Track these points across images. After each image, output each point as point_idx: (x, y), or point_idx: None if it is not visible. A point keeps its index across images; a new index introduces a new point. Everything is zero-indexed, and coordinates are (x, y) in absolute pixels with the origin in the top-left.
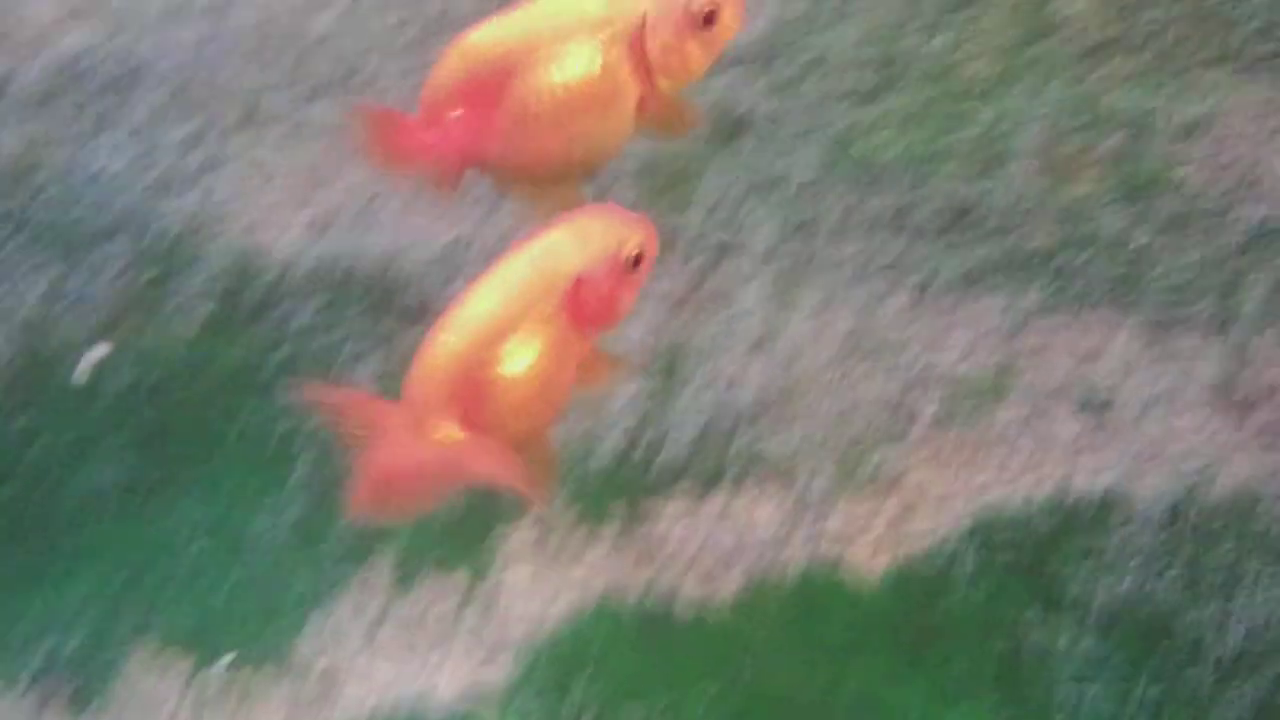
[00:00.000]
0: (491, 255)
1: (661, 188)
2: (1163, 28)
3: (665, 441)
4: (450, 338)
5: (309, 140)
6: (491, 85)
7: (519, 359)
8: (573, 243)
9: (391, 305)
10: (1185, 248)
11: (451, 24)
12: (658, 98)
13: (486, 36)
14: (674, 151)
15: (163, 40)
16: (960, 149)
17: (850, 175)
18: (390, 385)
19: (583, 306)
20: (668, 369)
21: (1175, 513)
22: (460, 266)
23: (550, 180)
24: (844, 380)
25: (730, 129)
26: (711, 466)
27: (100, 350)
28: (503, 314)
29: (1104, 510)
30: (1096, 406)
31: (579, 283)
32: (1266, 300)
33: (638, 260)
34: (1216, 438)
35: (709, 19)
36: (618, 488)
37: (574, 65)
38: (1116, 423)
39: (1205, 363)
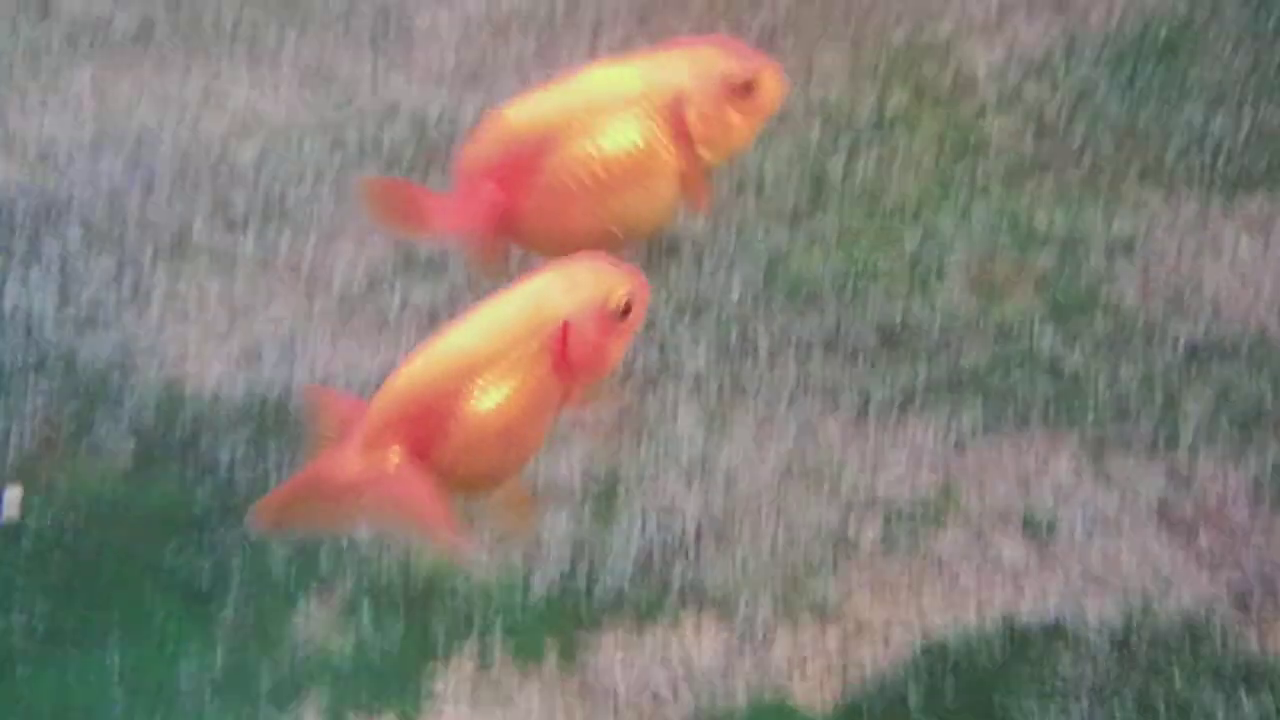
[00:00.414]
0: None
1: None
2: (1089, 146)
3: (602, 573)
4: (417, 366)
5: (233, 271)
6: (527, 159)
7: (488, 397)
8: (562, 288)
9: None
10: (1122, 367)
11: (374, 152)
12: (699, 170)
13: (524, 110)
14: None
15: (85, 174)
16: (892, 269)
17: (783, 296)
18: None
19: (569, 352)
20: (603, 498)
21: (1123, 640)
22: None
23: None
24: (783, 506)
25: (661, 252)
26: (650, 598)
27: (13, 492)
28: (479, 350)
29: (1051, 638)
30: (1039, 530)
31: (566, 327)
32: (1205, 419)
33: (627, 310)
34: (1161, 561)
35: (748, 88)
36: (554, 622)
37: (611, 138)
38: (1060, 547)
39: (1147, 484)
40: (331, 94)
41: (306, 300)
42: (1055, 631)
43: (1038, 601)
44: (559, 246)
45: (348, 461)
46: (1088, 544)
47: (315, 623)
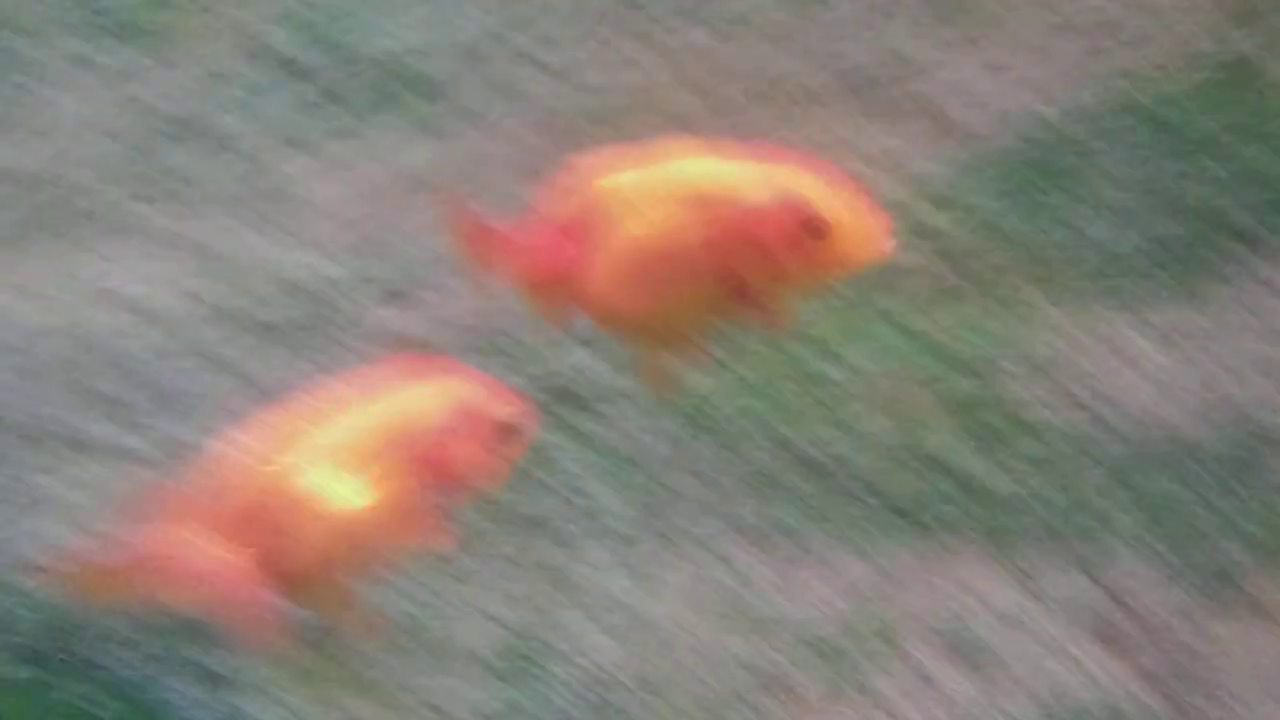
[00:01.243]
0: None
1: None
2: (1001, 271)
3: None
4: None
5: (127, 470)
6: (598, 228)
7: (333, 493)
8: (437, 400)
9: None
10: (1049, 490)
11: (275, 334)
12: (758, 289)
13: (615, 182)
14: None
15: None
16: (814, 409)
17: (705, 445)
18: None
19: (439, 463)
20: (527, 664)
21: None
22: None
23: (647, 337)
24: (719, 661)
25: (579, 408)
26: None
27: None
28: (339, 445)
29: None
30: (979, 661)
31: (437, 439)
32: (1135, 536)
33: (505, 431)
34: (1101, 684)
35: (818, 230)
36: None
37: (671, 231)
38: (1001, 676)
39: (1082, 607)
40: (226, 275)
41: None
42: None
43: None
44: (615, 322)
45: (193, 549)
46: (1028, 672)
47: None
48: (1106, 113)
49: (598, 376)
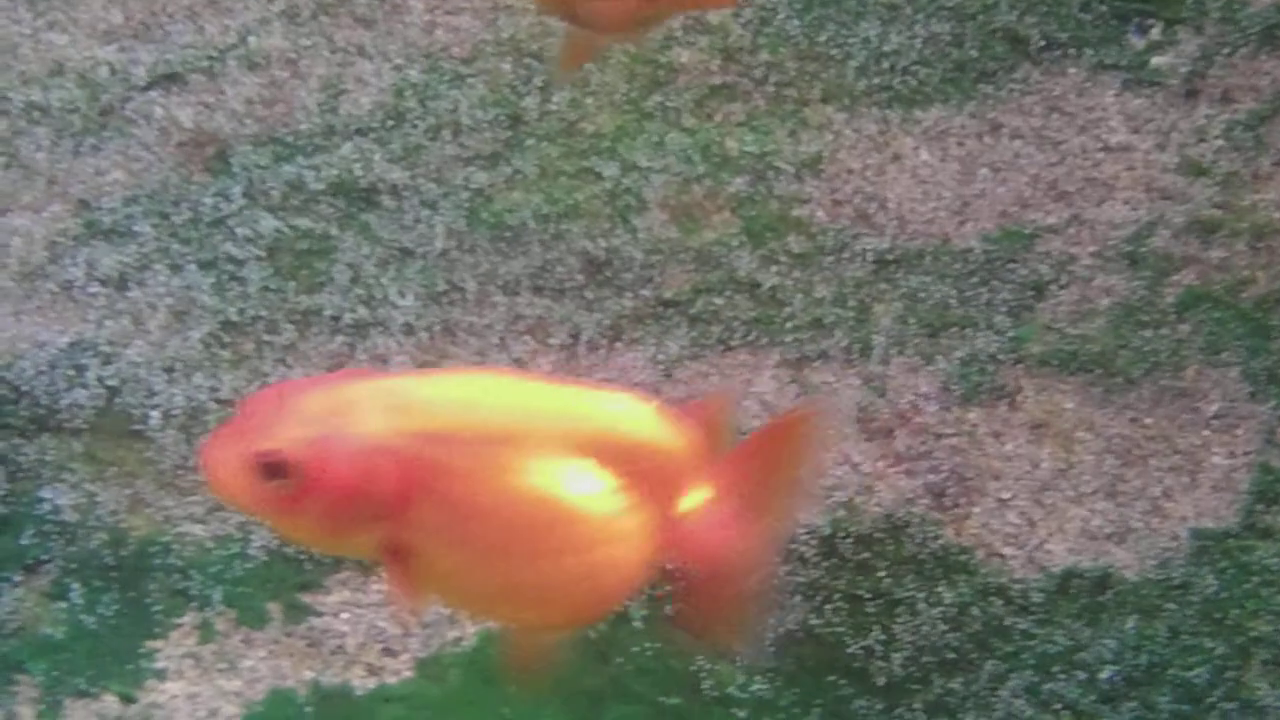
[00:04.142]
0: (112, 357)
1: (292, 267)
2: (772, 70)
3: None
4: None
5: None
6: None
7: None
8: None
9: (10, 418)
10: (814, 284)
11: (48, 118)
12: None
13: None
14: (302, 229)
15: None
16: (591, 205)
17: (485, 239)
18: (16, 503)
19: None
20: None
21: (829, 545)
22: (80, 370)
23: None
24: None
25: (359, 201)
26: None
27: None
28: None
29: None
30: None
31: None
32: (894, 329)
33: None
34: (861, 468)
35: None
36: (274, 585)
37: None
38: None
39: (843, 394)
40: None
41: None
42: None
43: None
44: None
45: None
46: None
47: (23, 605)
48: None
49: (375, 168)
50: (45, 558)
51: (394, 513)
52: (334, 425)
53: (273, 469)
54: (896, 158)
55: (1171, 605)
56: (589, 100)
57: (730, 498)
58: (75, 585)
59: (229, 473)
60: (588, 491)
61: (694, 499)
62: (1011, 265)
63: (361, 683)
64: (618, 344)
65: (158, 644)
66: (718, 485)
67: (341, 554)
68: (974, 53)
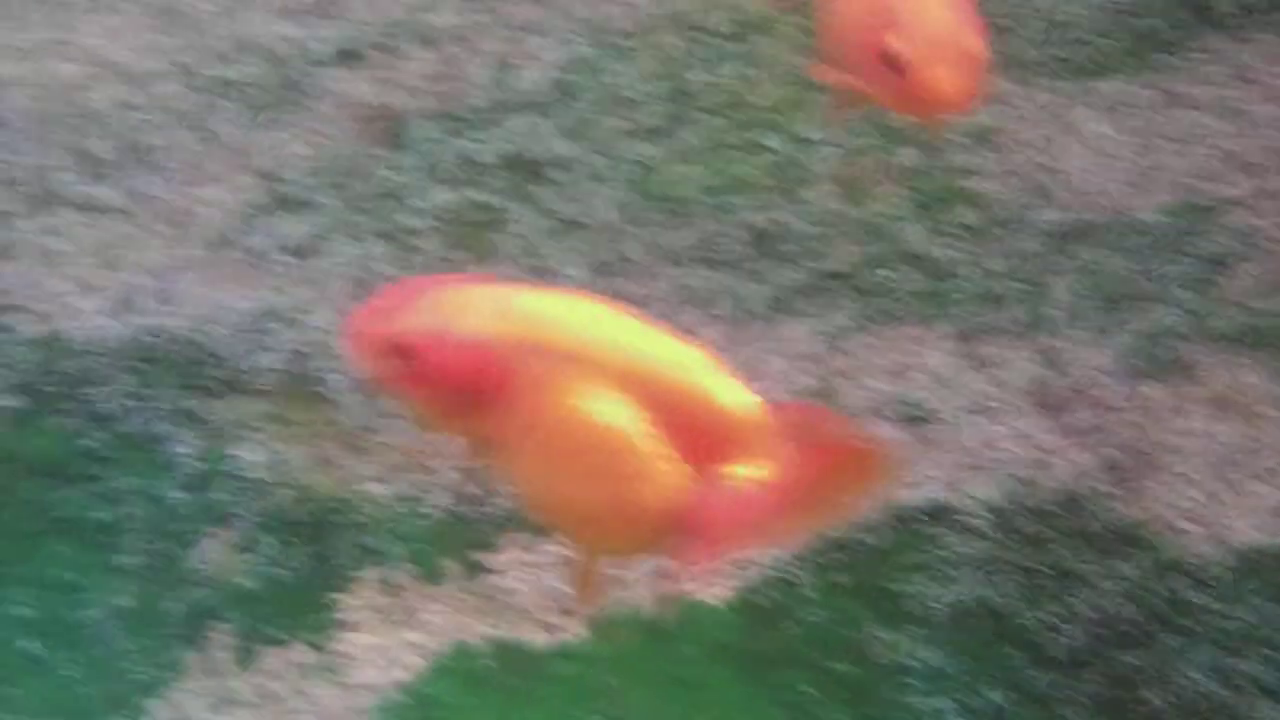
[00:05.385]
0: (297, 323)
1: (463, 238)
2: None
3: (495, 492)
4: None
5: (98, 220)
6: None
7: None
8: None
9: (202, 380)
10: (986, 257)
11: (235, 92)
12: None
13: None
14: (474, 201)
15: None
16: (756, 177)
17: (650, 212)
18: (208, 460)
19: None
20: None
21: (1002, 519)
22: (267, 334)
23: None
24: None
25: (527, 174)
26: None
27: None
28: None
29: (933, 522)
30: (915, 421)
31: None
32: (1069, 302)
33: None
34: (1034, 441)
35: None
36: (451, 543)
37: None
38: (936, 435)
39: (1016, 369)
40: (181, 33)
41: (175, 244)
42: (936, 515)
43: (918, 489)
44: None
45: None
46: (963, 431)
47: (217, 557)
48: None
49: (543, 141)
50: (237, 512)
51: (488, 407)
52: (447, 320)
53: (395, 350)
54: (1071, 129)
55: None
56: (755, 73)
57: (772, 490)
58: (266, 539)
59: (363, 348)
60: (628, 426)
61: (735, 471)
62: (1191, 238)
63: (538, 639)
64: (783, 316)
65: (343, 597)
66: (766, 470)
67: (456, 435)
68: (1154, 21)
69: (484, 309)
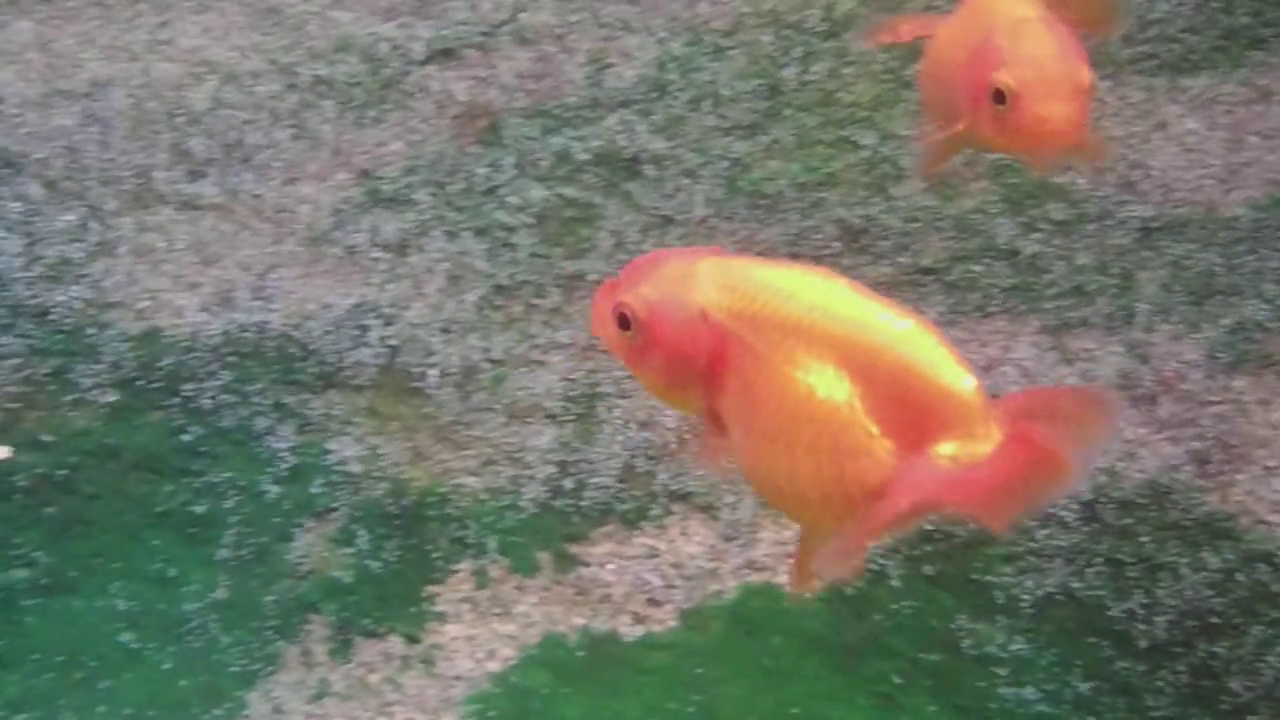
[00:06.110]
0: (393, 319)
1: (558, 233)
2: None
3: (587, 486)
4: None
5: (199, 216)
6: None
7: None
8: None
9: (299, 375)
10: (1076, 251)
11: (333, 91)
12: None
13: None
14: (568, 198)
15: (38, 128)
16: (848, 173)
17: (743, 207)
18: (305, 454)
19: None
20: (583, 415)
21: (1091, 511)
22: (364, 330)
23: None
24: None
25: (622, 171)
26: (635, 506)
27: (1, 453)
28: None
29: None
30: None
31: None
32: (1159, 296)
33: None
34: (1123, 434)
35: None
36: (544, 536)
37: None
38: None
39: (1105, 361)
40: (280, 33)
41: (273, 241)
42: None
43: None
44: None
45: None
46: None
47: (314, 550)
48: None
49: (638, 138)
50: (333, 506)
51: (709, 379)
52: (675, 292)
53: (624, 320)
54: (1162, 125)
55: None
56: (847, 70)
57: (977, 472)
58: (361, 532)
59: (599, 318)
60: (847, 402)
61: (954, 449)
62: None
63: (628, 630)
64: None
65: (437, 589)
66: (976, 451)
67: (681, 408)
68: (1246, 19)
69: (710, 281)
